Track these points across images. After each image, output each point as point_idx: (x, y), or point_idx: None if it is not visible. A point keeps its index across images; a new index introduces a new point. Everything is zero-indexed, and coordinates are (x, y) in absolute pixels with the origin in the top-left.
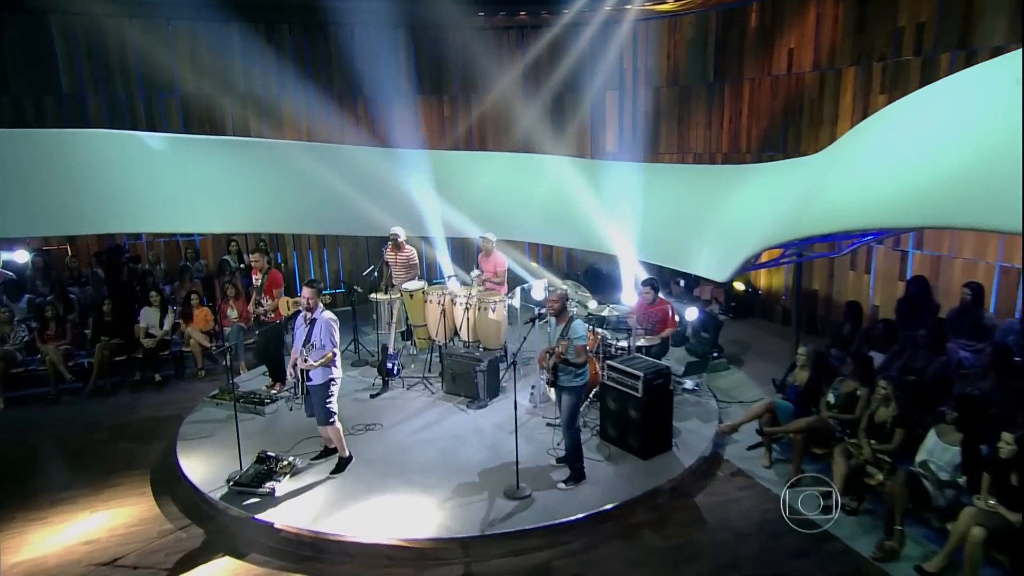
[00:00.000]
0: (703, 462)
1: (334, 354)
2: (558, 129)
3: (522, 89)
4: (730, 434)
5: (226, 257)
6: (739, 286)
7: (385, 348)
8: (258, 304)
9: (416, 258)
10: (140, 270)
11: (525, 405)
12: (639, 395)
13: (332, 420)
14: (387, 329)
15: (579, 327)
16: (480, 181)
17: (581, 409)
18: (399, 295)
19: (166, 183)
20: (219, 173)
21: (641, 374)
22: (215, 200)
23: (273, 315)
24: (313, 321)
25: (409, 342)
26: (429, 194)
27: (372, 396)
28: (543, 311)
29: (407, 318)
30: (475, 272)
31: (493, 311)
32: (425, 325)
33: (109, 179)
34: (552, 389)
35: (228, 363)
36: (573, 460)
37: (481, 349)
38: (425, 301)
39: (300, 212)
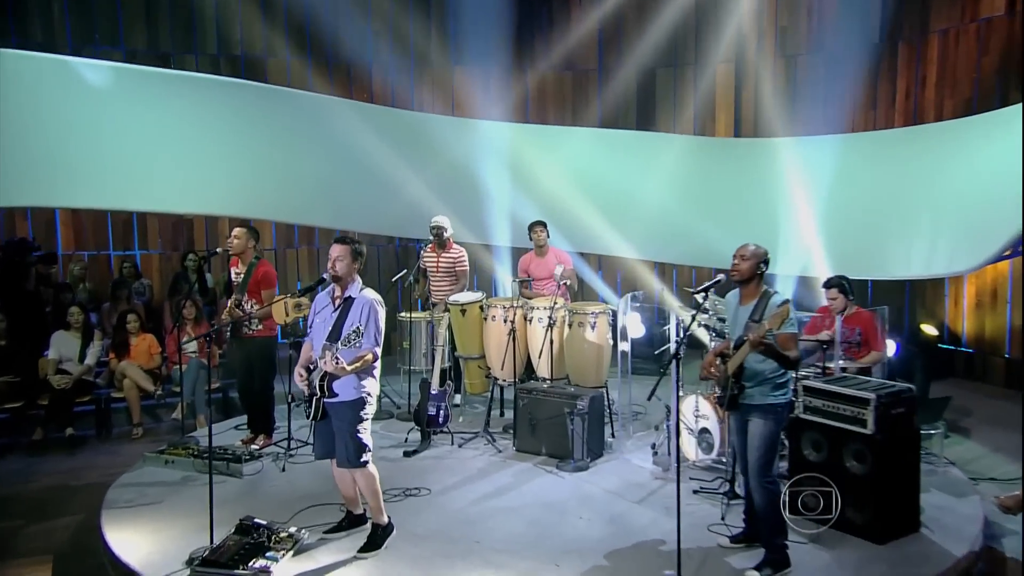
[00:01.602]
0: (973, 558)
1: (375, 356)
2: (647, 110)
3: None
4: (1014, 511)
5: (185, 268)
6: (929, 330)
7: (426, 385)
8: (238, 306)
9: (467, 262)
10: (54, 278)
11: (648, 468)
12: (870, 432)
13: (365, 460)
14: (425, 360)
15: (782, 304)
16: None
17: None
18: (443, 313)
19: (111, 136)
20: (198, 127)
21: (872, 397)
22: (188, 166)
23: (260, 327)
24: (347, 302)
25: (451, 384)
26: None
27: (408, 454)
28: (720, 280)
29: (453, 348)
30: (518, 280)
31: (593, 328)
32: (482, 357)
33: (17, 125)
34: (725, 414)
35: (182, 415)
36: (771, 532)
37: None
38: (484, 319)
39: (318, 195)
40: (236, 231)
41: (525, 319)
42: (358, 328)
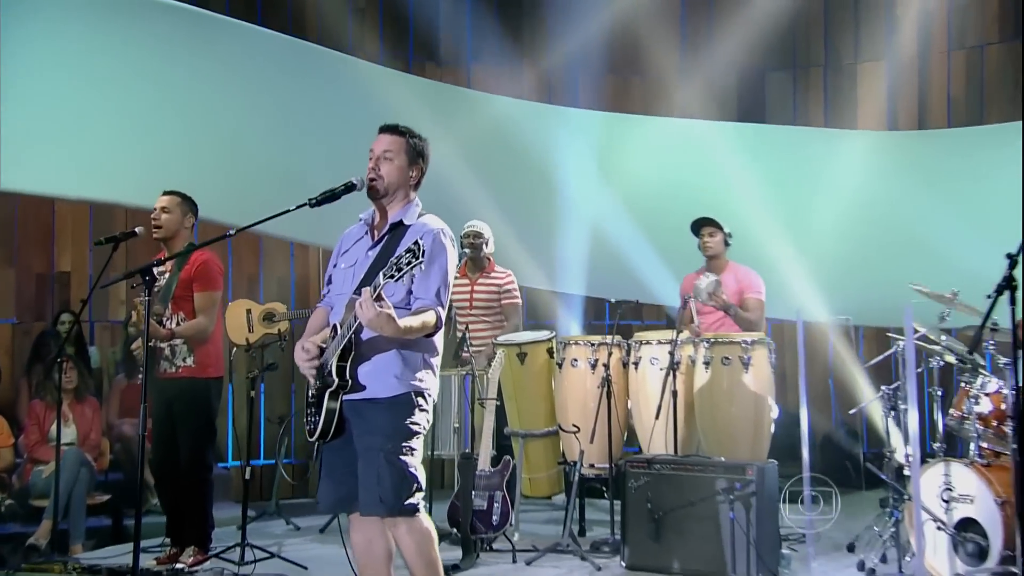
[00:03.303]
0: None
1: (439, 319)
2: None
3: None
4: None
5: (56, 328)
6: None
7: (470, 464)
8: (160, 324)
9: (517, 289)
10: None
11: None
12: None
13: (414, 503)
14: (458, 438)
15: None
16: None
17: None
18: (485, 364)
19: None
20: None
21: None
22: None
23: (191, 362)
24: (395, 232)
25: (511, 462)
26: None
27: (450, 570)
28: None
29: (501, 422)
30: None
31: (747, 367)
32: (554, 433)
33: None
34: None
35: (47, 539)
36: None
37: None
38: (556, 367)
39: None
40: (163, 200)
41: (624, 365)
42: (414, 251)
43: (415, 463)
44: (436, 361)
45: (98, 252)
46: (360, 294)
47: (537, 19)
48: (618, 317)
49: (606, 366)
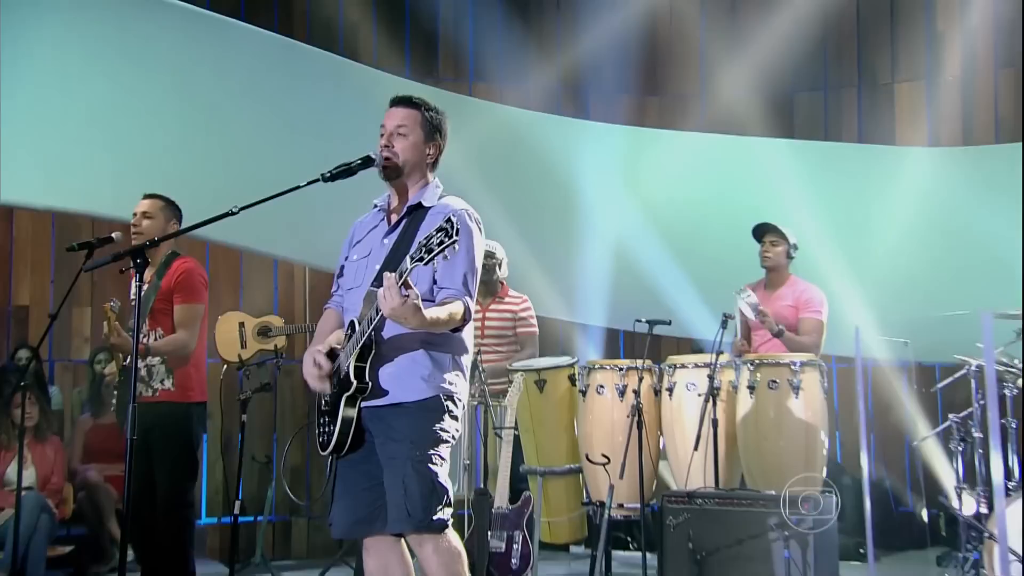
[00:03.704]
0: None
1: (467, 311)
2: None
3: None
4: None
5: (14, 362)
6: None
7: (485, 501)
8: (133, 337)
9: (533, 316)
10: None
11: None
12: None
13: (442, 518)
14: (466, 475)
15: None
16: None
17: None
18: (501, 392)
19: None
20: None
21: None
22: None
23: (170, 384)
24: (413, 215)
25: (531, 500)
26: None
27: None
28: None
29: (517, 458)
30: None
31: (797, 393)
32: (576, 471)
33: None
34: None
35: None
36: None
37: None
38: (582, 392)
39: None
40: (144, 204)
41: (656, 392)
42: (447, 229)
43: (444, 474)
44: (466, 361)
45: (60, 284)
46: (373, 289)
47: (549, 25)
48: (648, 339)
49: (636, 392)
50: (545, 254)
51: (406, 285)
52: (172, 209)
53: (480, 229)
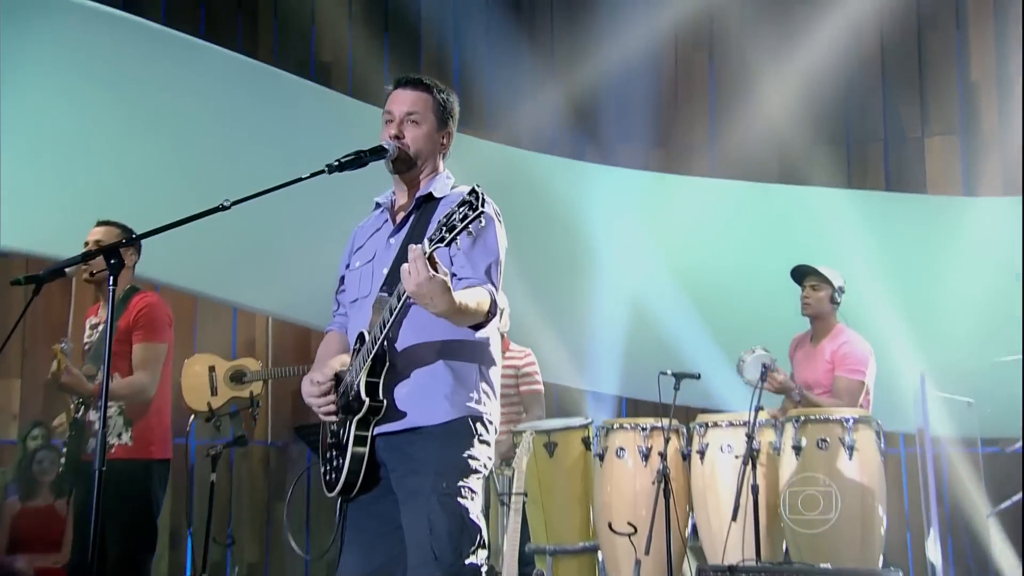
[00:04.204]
0: None
1: (493, 302)
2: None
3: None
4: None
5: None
6: None
7: None
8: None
9: (538, 373)
10: None
11: None
12: None
13: (476, 561)
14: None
15: None
16: None
17: None
18: (500, 462)
19: None
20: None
21: None
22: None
23: (127, 439)
24: (422, 208)
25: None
26: None
27: None
28: None
29: (524, 537)
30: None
31: (851, 453)
32: (592, 550)
33: None
34: None
35: None
36: None
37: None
38: (598, 456)
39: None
40: (98, 231)
41: (684, 456)
42: (471, 202)
43: (477, 510)
44: (495, 376)
45: None
46: (383, 295)
47: (562, 64)
48: (675, 396)
49: (662, 455)
50: (552, 309)
51: (432, 263)
52: (127, 236)
53: (500, 220)
